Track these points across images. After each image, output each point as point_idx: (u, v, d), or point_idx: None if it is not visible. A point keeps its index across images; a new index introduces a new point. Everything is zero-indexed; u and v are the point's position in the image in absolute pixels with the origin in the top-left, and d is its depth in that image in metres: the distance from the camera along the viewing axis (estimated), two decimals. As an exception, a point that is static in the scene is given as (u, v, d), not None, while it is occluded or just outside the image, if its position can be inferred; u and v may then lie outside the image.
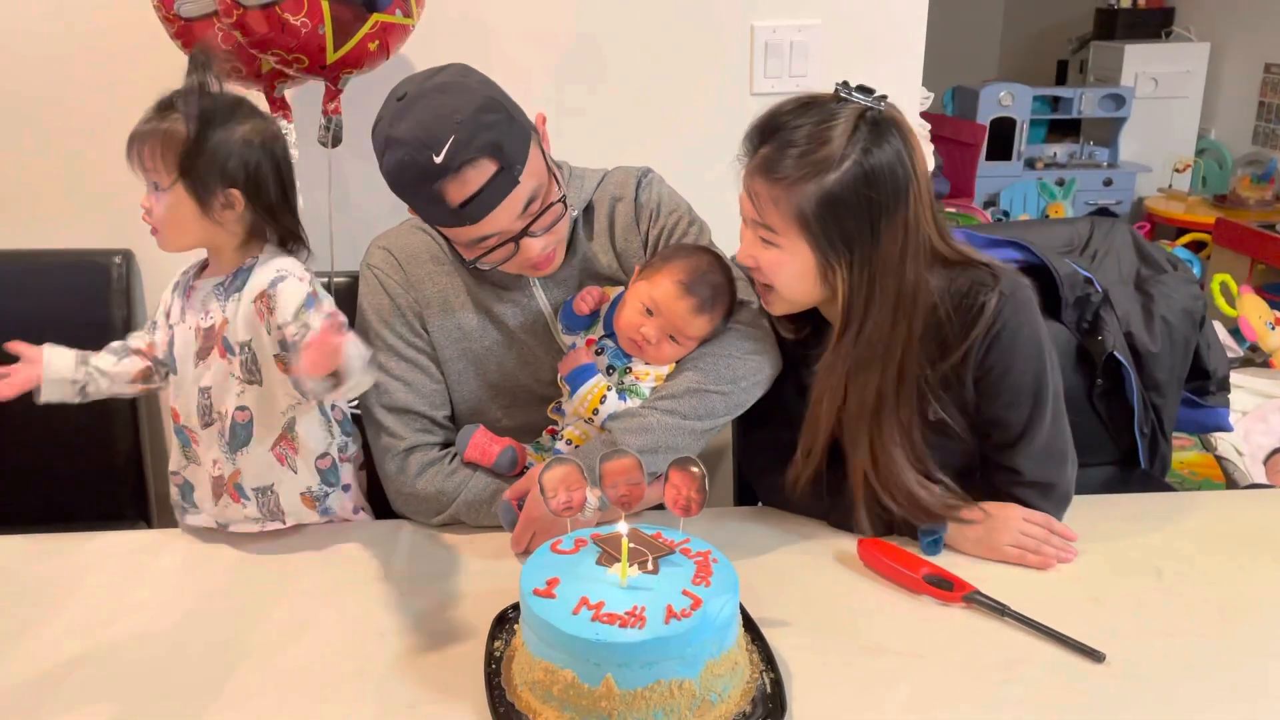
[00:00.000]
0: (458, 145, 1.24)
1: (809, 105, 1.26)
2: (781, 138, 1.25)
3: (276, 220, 1.37)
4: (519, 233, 1.34)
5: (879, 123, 1.24)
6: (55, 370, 1.36)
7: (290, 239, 1.39)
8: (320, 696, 1.08)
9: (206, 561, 1.37)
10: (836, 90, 1.26)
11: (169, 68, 1.74)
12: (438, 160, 1.23)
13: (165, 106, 1.31)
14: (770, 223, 1.27)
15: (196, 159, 1.28)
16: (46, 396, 1.34)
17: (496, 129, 1.27)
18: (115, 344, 1.45)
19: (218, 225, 1.33)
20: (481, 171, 1.26)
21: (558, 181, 1.39)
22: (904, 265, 1.26)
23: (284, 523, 1.41)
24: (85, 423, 1.92)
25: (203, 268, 1.42)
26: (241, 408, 1.35)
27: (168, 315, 1.42)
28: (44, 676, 1.12)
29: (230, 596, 1.29)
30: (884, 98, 1.26)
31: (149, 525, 1.97)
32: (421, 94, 1.28)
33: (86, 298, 1.90)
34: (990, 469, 1.38)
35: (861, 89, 1.26)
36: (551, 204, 1.36)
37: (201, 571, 1.35)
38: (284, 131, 1.40)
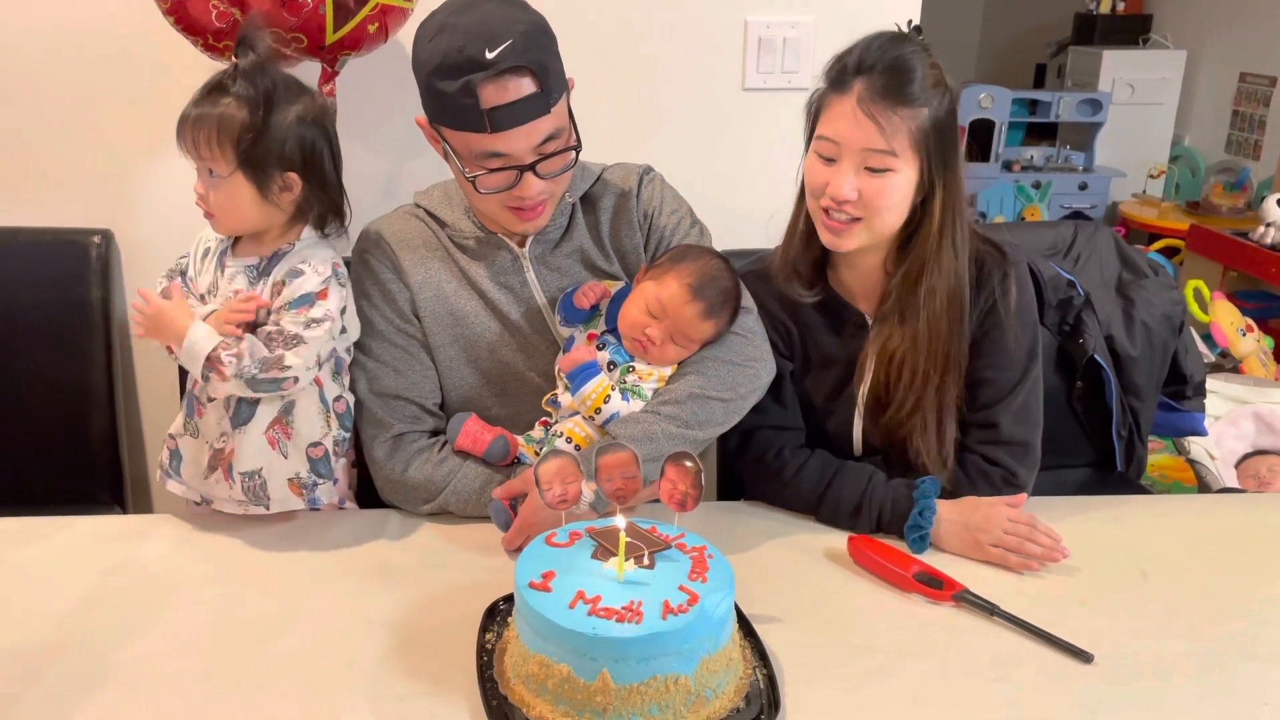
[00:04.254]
0: (513, 49, 1.24)
1: (899, 39, 1.34)
2: (896, 65, 1.31)
3: (327, 197, 1.36)
4: (527, 165, 1.32)
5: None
6: None
7: (334, 213, 1.38)
8: (310, 688, 1.07)
9: (190, 549, 1.35)
10: (910, 33, 1.36)
11: (152, 45, 1.72)
12: (489, 55, 1.23)
13: (216, 88, 1.28)
14: (894, 146, 1.31)
15: (255, 146, 1.26)
16: None
17: (547, 53, 1.29)
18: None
19: (275, 207, 1.32)
20: (521, 85, 1.26)
21: (576, 136, 1.38)
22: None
23: (267, 509, 1.38)
24: (60, 405, 1.89)
25: (234, 242, 1.40)
26: None
27: (200, 285, 1.40)
28: (21, 668, 1.09)
29: (216, 586, 1.27)
30: None
31: (124, 510, 1.94)
32: None
33: (64, 277, 1.86)
34: (966, 429, 1.43)
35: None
36: (567, 149, 1.35)
37: (185, 559, 1.33)
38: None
